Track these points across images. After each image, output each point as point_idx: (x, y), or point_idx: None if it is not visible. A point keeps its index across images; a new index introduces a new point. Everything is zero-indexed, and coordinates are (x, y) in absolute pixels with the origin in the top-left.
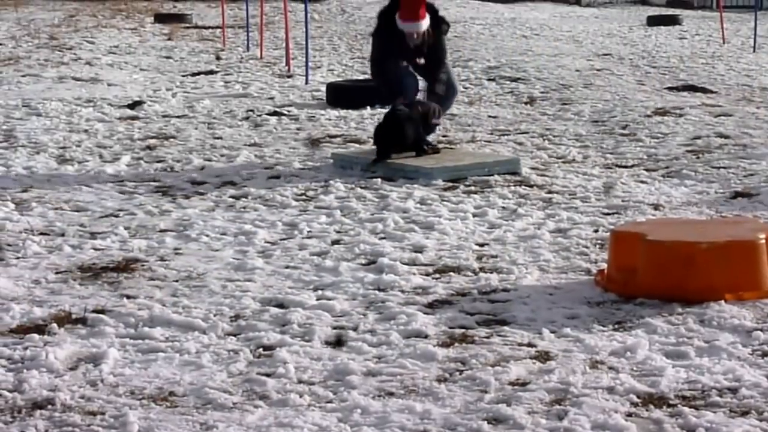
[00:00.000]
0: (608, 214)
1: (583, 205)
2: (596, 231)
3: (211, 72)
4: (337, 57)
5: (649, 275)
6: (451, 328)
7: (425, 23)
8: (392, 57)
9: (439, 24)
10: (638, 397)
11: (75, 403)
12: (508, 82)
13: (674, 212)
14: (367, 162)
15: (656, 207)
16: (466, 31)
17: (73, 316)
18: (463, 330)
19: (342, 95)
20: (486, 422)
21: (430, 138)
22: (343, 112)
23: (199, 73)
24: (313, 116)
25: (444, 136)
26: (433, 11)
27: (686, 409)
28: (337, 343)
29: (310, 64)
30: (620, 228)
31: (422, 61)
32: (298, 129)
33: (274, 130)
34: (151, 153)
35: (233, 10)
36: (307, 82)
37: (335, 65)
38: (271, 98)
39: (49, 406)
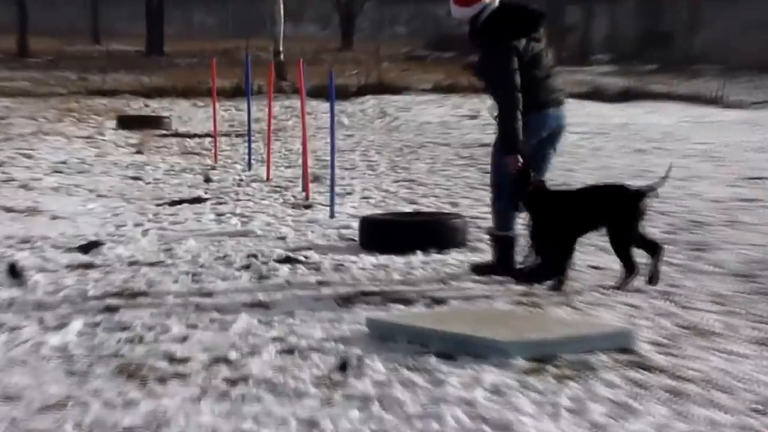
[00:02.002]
0: (763, 412)
1: (728, 399)
2: None
3: (198, 200)
4: (375, 179)
5: None
6: None
7: (470, 10)
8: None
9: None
10: None
11: None
12: None
13: None
14: (415, 331)
15: None
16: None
17: None
18: None
19: (382, 234)
20: None
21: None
22: (383, 259)
23: (180, 202)
24: (341, 264)
25: (524, 296)
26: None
27: None
28: None
29: (336, 189)
30: None
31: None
32: (319, 282)
33: (286, 285)
34: (112, 317)
35: (229, 110)
36: (332, 216)
37: (372, 191)
38: (282, 238)
39: None
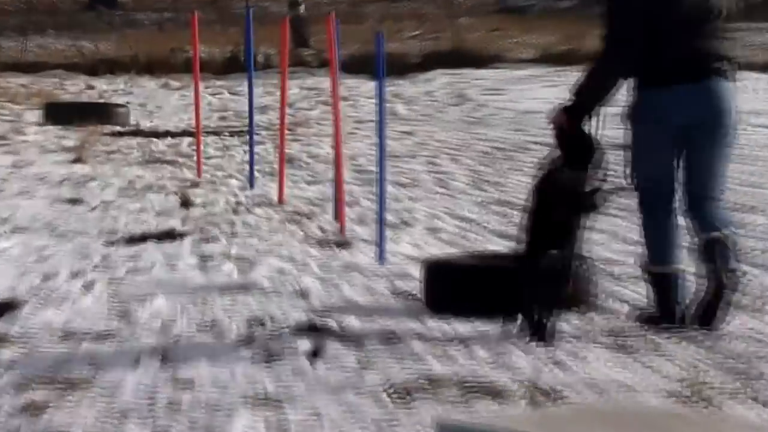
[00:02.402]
0: None
1: None
2: None
3: (171, 235)
4: (449, 201)
5: None
6: None
7: None
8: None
9: None
10: None
11: None
12: None
13: None
14: None
15: None
16: (744, 147)
17: None
18: None
19: (459, 288)
20: None
21: None
22: (461, 327)
23: (144, 238)
24: (395, 336)
25: (686, 384)
26: None
27: None
28: None
29: (388, 217)
30: None
31: None
32: (361, 364)
33: (309, 367)
34: (37, 420)
35: (220, 95)
36: (381, 259)
37: (444, 220)
38: (303, 295)
39: None
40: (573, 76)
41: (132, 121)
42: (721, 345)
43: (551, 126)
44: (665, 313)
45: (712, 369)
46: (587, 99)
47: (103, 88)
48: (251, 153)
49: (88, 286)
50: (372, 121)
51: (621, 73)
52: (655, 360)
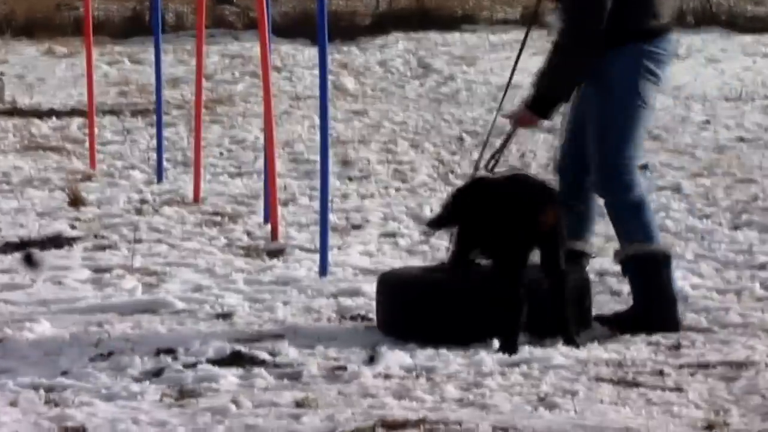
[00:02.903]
0: None
1: None
2: None
3: (58, 242)
4: (409, 198)
5: None
6: None
7: None
8: None
9: None
10: None
11: None
12: None
13: None
14: None
15: None
16: None
17: None
18: None
19: (423, 307)
20: None
21: None
22: (424, 357)
23: (22, 245)
24: (342, 369)
25: (699, 422)
26: None
27: None
28: None
29: (332, 218)
30: None
31: None
32: (298, 404)
33: (234, 410)
34: None
35: (119, 64)
36: (324, 272)
37: (403, 222)
38: (226, 316)
39: None
40: None
41: (6, 97)
42: (744, 376)
43: (514, 130)
44: (666, 302)
45: (735, 406)
46: (560, 85)
47: None
48: (159, 138)
49: None
50: (312, 97)
51: (600, 41)
52: (665, 396)
